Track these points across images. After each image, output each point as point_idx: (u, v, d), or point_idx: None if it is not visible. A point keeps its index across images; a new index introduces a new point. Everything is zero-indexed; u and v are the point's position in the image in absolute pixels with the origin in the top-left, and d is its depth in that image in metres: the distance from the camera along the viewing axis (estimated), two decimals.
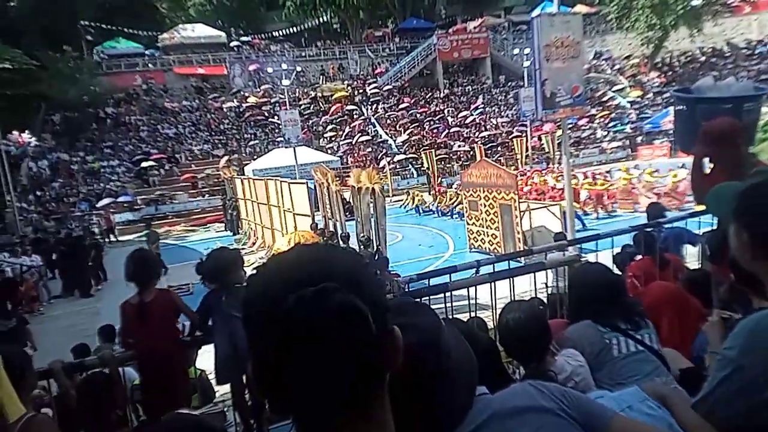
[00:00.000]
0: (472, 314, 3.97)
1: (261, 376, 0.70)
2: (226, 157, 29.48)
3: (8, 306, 8.29)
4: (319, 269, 0.69)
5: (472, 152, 29.01)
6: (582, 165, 27.17)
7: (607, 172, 19.61)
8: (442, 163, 29.12)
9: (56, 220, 24.18)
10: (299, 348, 0.65)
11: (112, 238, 23.15)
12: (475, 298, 4.26)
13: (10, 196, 23.23)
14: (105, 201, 25.92)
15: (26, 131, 30.40)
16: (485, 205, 12.94)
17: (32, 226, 22.88)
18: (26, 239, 18.80)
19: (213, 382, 4.80)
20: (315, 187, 15.12)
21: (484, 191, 12.95)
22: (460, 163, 29.26)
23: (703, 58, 37.10)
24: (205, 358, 4.74)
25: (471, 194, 13.62)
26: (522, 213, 12.25)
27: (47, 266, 15.75)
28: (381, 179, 15.12)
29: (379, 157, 30.83)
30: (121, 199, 26.83)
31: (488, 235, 13.08)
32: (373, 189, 11.97)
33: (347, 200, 14.69)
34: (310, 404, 0.69)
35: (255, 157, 29.19)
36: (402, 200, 23.32)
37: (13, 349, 3.20)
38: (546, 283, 5.09)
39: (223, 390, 4.91)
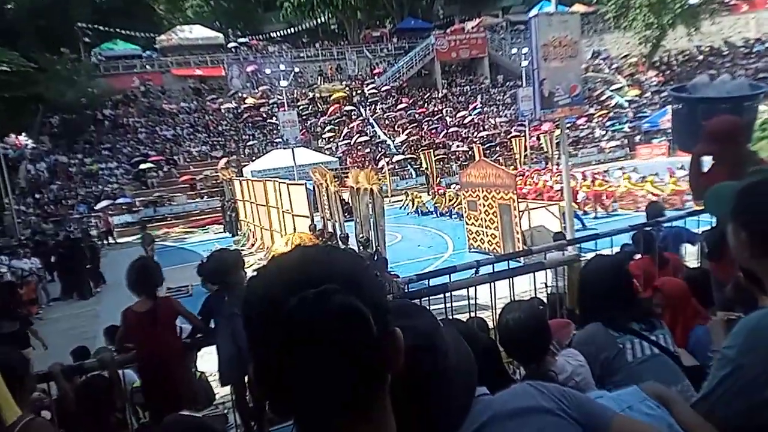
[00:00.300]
0: (472, 314, 3.97)
1: (262, 378, 0.70)
2: (224, 159, 29.48)
3: (12, 308, 8.33)
4: (320, 271, 0.69)
5: (470, 152, 29.03)
6: (581, 164, 27.20)
7: (605, 171, 19.62)
8: (441, 163, 29.15)
9: (55, 222, 24.17)
10: (300, 350, 0.65)
11: (111, 240, 23.12)
12: (475, 299, 4.27)
13: (8, 199, 23.22)
14: (103, 203, 25.89)
15: (23, 134, 30.36)
16: (484, 205, 12.94)
17: (31, 229, 22.87)
18: (29, 241, 18.80)
19: (213, 384, 4.81)
20: (314, 188, 15.12)
21: (483, 191, 12.94)
22: (459, 163, 29.24)
23: (700, 57, 37.15)
24: (205, 360, 4.75)
25: (470, 194, 13.62)
26: (521, 213, 12.24)
27: (46, 269, 15.73)
28: (379, 180, 15.14)
29: (377, 158, 30.83)
30: (119, 201, 26.82)
31: (487, 235, 13.08)
32: (371, 190, 11.97)
33: (346, 201, 14.70)
34: (311, 406, 0.69)
35: (253, 158, 29.18)
36: (401, 200, 23.31)
37: (12, 352, 3.20)
38: (546, 283, 5.10)
39: (223, 392, 4.92)
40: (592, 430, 1.05)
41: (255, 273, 0.73)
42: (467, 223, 13.95)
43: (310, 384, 0.66)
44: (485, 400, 1.10)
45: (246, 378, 3.74)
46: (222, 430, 2.88)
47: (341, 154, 31.08)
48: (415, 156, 30.27)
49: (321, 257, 0.72)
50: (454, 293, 4.16)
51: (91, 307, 13.15)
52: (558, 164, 21.49)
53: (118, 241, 23.01)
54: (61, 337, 9.26)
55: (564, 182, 9.71)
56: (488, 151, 29.05)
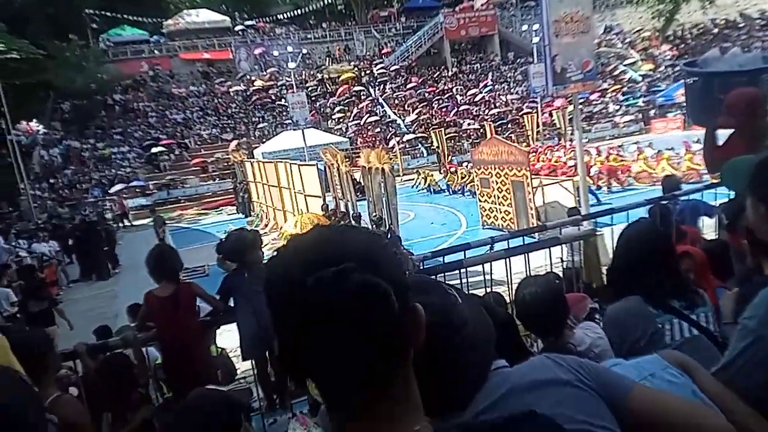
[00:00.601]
0: (488, 290, 3.99)
1: (283, 356, 0.71)
2: (235, 141, 29.57)
3: (39, 289, 8.59)
4: (338, 250, 0.68)
5: (482, 130, 28.84)
6: (595, 140, 26.92)
7: (620, 146, 19.37)
8: (452, 141, 28.97)
9: (70, 206, 24.47)
10: (318, 329, 0.64)
11: (126, 223, 23.40)
12: (491, 274, 4.29)
13: (23, 184, 23.54)
14: (117, 187, 26.19)
15: (34, 120, 30.59)
16: (497, 183, 12.88)
17: (47, 213, 23.19)
18: (47, 225, 19.10)
19: (235, 359, 4.91)
20: (325, 168, 15.12)
21: (495, 168, 12.88)
22: (470, 141, 29.08)
23: (715, 30, 36.32)
24: (224, 338, 4.83)
25: (482, 172, 13.56)
26: (534, 189, 12.18)
27: (64, 252, 15.99)
28: (391, 159, 15.07)
29: (388, 138, 30.72)
30: (133, 184, 27.12)
31: (501, 212, 13.05)
32: (383, 169, 11.95)
33: (358, 181, 14.70)
34: (329, 385, 0.70)
35: (264, 140, 29.21)
36: (413, 179, 23.27)
37: (34, 331, 3.28)
38: (561, 258, 5.10)
39: (244, 366, 5.02)
40: (611, 401, 1.03)
41: (274, 253, 0.73)
42: (480, 201, 13.91)
43: (327, 363, 0.66)
44: (503, 373, 1.09)
45: (267, 353, 3.81)
46: (247, 402, 2.95)
47: (352, 135, 30.99)
48: (425, 135, 30.11)
49: (337, 236, 0.71)
50: (469, 269, 4.18)
51: (110, 287, 13.35)
52: (571, 140, 21.28)
53: (134, 223, 23.28)
54: (82, 317, 9.43)
55: (578, 157, 9.61)
56: (500, 129, 28.81)
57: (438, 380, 0.93)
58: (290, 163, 15.64)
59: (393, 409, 0.69)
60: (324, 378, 0.69)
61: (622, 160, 17.25)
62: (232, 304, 3.81)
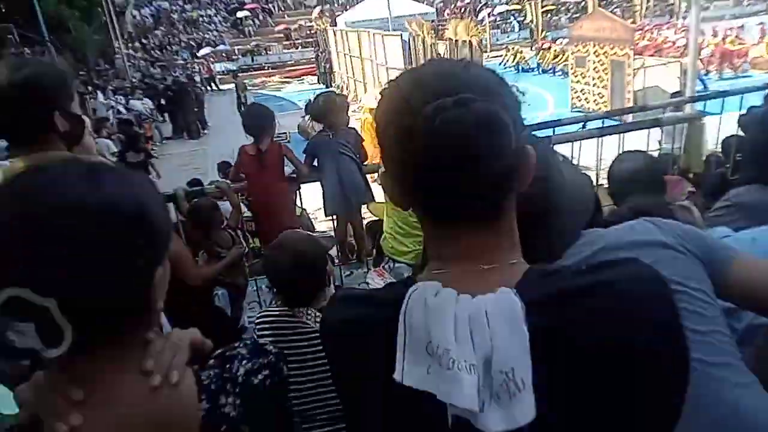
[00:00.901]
0: None
1: (394, 187, 0.70)
2: (318, 8, 28.85)
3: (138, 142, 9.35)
4: (458, 81, 0.64)
5: (583, 3, 26.35)
6: (711, 19, 23.89)
7: (740, 27, 17.15)
8: (548, 15, 26.84)
9: (162, 67, 25.39)
10: (435, 158, 0.62)
11: (213, 87, 24.14)
12: (578, 158, 4.10)
13: (118, 44, 24.44)
14: (205, 50, 26.77)
15: None
16: (594, 62, 11.97)
17: (140, 72, 24.19)
18: (141, 84, 20.06)
19: (313, 220, 5.18)
20: (409, 40, 14.55)
21: (594, 46, 11.91)
22: (569, 15, 26.81)
23: None
24: (305, 198, 5.06)
25: (579, 49, 12.59)
26: (635, 71, 11.26)
27: (158, 110, 16.88)
28: (479, 32, 14.25)
29: (478, 9, 28.92)
30: (219, 48, 27.55)
31: (594, 94, 12.26)
32: (470, 42, 11.40)
33: (443, 55, 14.12)
34: (436, 214, 0.69)
35: (347, 7, 28.29)
36: (501, 56, 22.08)
37: (141, 176, 3.54)
38: (660, 141, 4.79)
39: (321, 228, 5.29)
40: (712, 268, 1.00)
41: (387, 85, 0.70)
42: (572, 81, 13.10)
43: (438, 193, 0.65)
44: (599, 232, 1.09)
45: (346, 212, 4.00)
46: (330, 248, 3.16)
47: (440, 4, 29.40)
48: (519, 7, 27.94)
49: (457, 69, 0.68)
50: (556, 149, 3.98)
51: (200, 146, 14.12)
52: (684, 17, 19.10)
53: (221, 87, 23.94)
54: (176, 171, 10.18)
55: (691, 37, 8.56)
56: (604, 2, 26.14)
57: (531, 229, 0.94)
58: (373, 33, 15.14)
59: (494, 244, 0.68)
60: (431, 207, 0.69)
61: (740, 43, 15.38)
62: (316, 164, 3.96)
